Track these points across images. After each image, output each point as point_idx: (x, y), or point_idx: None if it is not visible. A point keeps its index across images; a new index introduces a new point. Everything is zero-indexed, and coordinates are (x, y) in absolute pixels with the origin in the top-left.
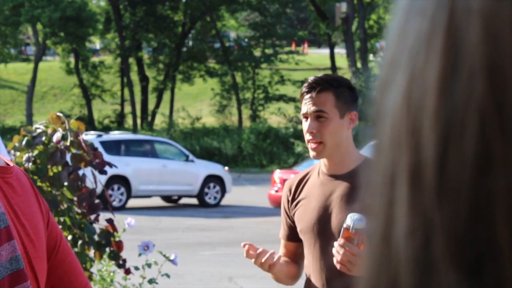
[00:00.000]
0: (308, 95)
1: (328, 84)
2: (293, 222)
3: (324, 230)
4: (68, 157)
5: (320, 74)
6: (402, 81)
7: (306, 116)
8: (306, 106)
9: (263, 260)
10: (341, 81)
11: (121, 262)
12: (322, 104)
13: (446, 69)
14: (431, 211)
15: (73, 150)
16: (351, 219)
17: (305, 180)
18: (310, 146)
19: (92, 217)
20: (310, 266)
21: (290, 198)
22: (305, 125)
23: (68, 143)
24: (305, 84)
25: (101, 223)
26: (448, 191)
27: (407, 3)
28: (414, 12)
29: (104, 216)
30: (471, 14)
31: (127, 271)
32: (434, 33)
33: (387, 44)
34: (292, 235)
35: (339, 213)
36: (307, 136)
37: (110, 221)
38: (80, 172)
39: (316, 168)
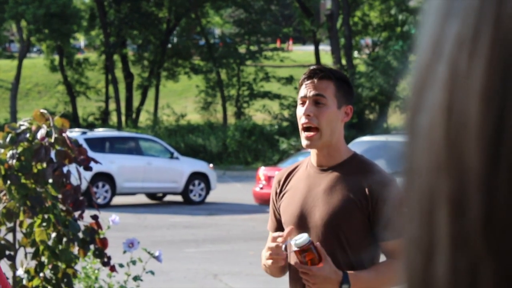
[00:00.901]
0: (309, 81)
1: (330, 73)
2: (280, 214)
3: (306, 223)
4: (52, 154)
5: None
6: (439, 93)
7: (304, 101)
8: (306, 90)
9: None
10: (341, 74)
11: (105, 259)
12: (323, 90)
13: (493, 81)
14: (477, 246)
15: (58, 147)
16: (293, 241)
17: (293, 173)
18: (306, 134)
19: (77, 214)
20: (292, 258)
21: (278, 191)
22: (301, 109)
23: (52, 140)
24: (306, 72)
25: (85, 220)
26: (498, 223)
27: (442, 5)
28: (452, 17)
29: (88, 213)
30: None
31: (112, 268)
32: (477, 41)
33: (418, 50)
34: (280, 227)
35: (321, 207)
36: (302, 119)
37: (95, 217)
38: (65, 169)
39: (306, 162)
